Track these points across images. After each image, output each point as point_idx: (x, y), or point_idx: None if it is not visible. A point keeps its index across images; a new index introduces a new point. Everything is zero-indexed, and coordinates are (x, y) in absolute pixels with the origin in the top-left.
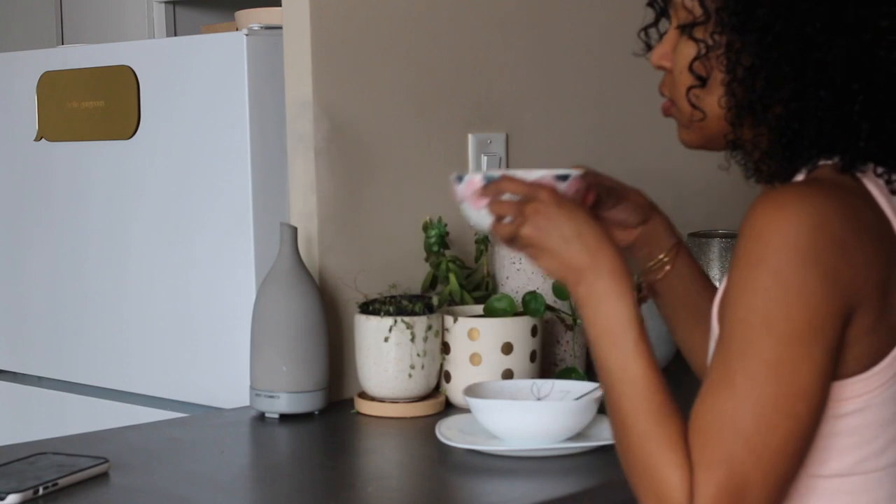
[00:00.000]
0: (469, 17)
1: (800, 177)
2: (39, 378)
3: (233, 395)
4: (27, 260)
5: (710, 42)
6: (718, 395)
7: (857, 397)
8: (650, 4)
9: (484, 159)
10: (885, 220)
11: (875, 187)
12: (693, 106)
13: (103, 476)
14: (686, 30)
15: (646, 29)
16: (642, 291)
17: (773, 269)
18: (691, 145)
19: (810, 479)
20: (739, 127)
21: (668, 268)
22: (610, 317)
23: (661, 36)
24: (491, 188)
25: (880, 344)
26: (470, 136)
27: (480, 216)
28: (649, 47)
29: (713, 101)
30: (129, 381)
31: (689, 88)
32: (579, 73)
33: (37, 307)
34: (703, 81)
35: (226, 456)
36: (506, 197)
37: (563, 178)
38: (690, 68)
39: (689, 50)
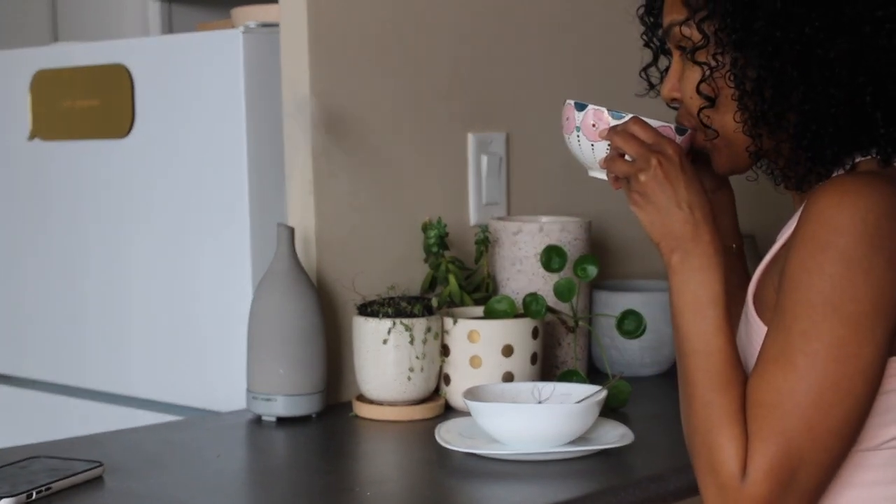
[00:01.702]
0: (469, 16)
1: (839, 173)
2: (33, 381)
3: (229, 398)
4: (21, 261)
5: (713, 63)
6: (777, 371)
7: None
8: (647, 45)
9: (484, 159)
10: None
11: None
12: (706, 126)
13: (98, 480)
14: (688, 55)
15: (646, 69)
16: None
17: (841, 252)
18: (722, 170)
19: (851, 453)
20: (759, 138)
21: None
22: (701, 289)
23: (662, 74)
24: (620, 127)
25: None
26: (470, 136)
27: (596, 148)
28: (651, 86)
29: (727, 118)
30: (124, 384)
31: (700, 110)
32: (579, 73)
33: (31, 309)
34: (711, 102)
35: (222, 460)
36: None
37: (682, 131)
38: (698, 90)
39: (694, 75)
